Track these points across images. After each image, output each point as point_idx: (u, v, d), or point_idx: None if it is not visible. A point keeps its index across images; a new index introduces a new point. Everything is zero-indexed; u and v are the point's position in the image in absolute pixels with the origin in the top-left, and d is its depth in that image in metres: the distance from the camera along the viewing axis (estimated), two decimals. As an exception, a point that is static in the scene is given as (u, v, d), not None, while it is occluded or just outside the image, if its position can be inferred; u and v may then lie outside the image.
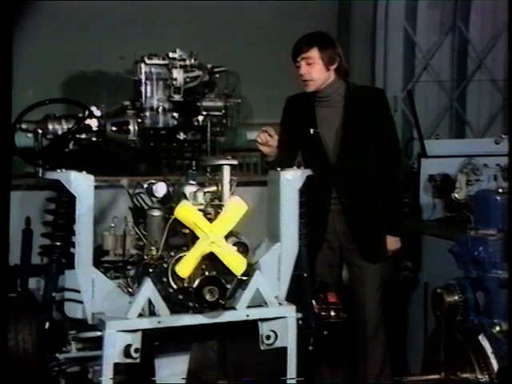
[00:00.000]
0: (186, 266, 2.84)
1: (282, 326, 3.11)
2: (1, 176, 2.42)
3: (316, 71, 3.88)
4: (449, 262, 3.46)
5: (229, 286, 2.94)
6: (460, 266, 3.34)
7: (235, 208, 2.91)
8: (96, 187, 2.96)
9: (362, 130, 3.93)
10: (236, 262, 2.90)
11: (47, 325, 2.85)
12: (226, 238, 2.92)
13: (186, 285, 2.89)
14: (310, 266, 3.30)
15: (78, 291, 2.92)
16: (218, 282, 2.89)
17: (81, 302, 2.93)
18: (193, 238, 2.90)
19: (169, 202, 3.07)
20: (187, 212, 2.87)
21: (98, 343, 2.88)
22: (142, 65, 4.18)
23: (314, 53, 3.87)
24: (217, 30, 5.58)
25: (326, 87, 3.92)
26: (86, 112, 4.03)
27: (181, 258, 2.90)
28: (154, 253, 2.96)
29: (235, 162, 3.13)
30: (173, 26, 5.41)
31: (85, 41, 5.23)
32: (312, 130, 3.92)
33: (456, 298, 3.28)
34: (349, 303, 3.80)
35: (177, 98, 4.20)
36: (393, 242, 4.05)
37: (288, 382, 3.08)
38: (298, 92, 4.07)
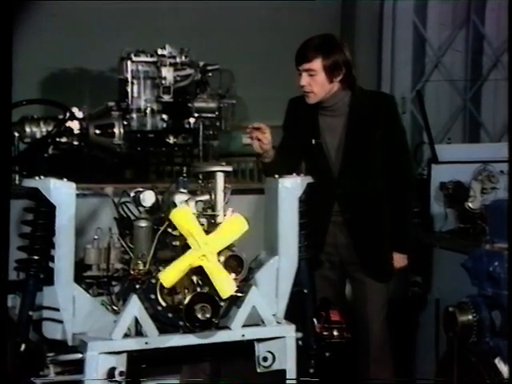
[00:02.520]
0: (171, 274, 2.83)
1: (281, 346, 3.10)
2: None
3: (317, 84, 3.85)
4: (462, 277, 3.46)
5: (222, 304, 2.94)
6: (474, 282, 3.34)
7: (235, 225, 2.91)
8: (78, 196, 2.95)
9: (368, 140, 3.93)
10: (224, 285, 2.88)
11: (23, 346, 2.84)
12: (220, 251, 2.92)
13: (175, 302, 2.89)
14: (310, 282, 3.30)
15: (58, 310, 2.91)
16: (210, 299, 2.89)
17: (60, 322, 2.91)
18: (184, 251, 2.90)
19: (157, 212, 3.07)
20: (184, 217, 2.86)
21: (78, 366, 2.86)
22: (128, 62, 4.18)
23: (317, 64, 3.83)
24: (210, 25, 5.59)
25: (330, 97, 3.90)
26: (67, 113, 4.02)
27: (170, 272, 2.90)
28: (141, 267, 2.95)
29: (229, 169, 3.13)
30: (162, 21, 5.43)
31: (67, 39, 5.26)
32: (314, 141, 3.91)
33: (470, 317, 3.28)
34: (353, 322, 3.80)
35: (166, 98, 4.20)
36: (399, 260, 4.04)
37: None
38: (297, 93, 4.06)
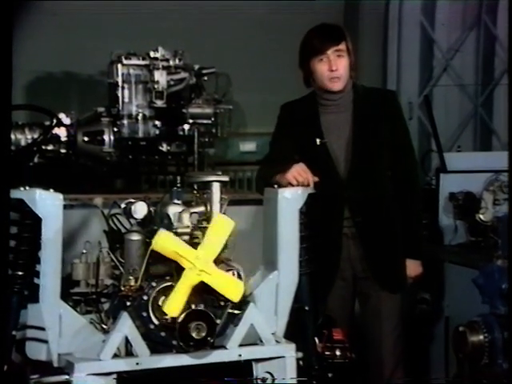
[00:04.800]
0: (175, 302, 2.83)
1: (280, 367, 3.10)
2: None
3: (345, 66, 3.86)
4: (473, 294, 3.45)
5: (218, 322, 2.94)
6: (485, 300, 3.33)
7: (220, 226, 2.91)
8: (65, 207, 2.94)
9: (375, 138, 3.93)
10: (232, 288, 2.90)
11: (5, 368, 2.83)
12: (216, 264, 2.92)
13: (169, 320, 2.88)
14: (312, 298, 3.30)
15: (43, 329, 2.90)
16: (205, 316, 2.88)
17: (45, 342, 2.91)
18: (177, 265, 2.90)
19: (150, 225, 3.07)
20: (166, 242, 2.87)
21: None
22: (119, 65, 4.19)
23: (344, 45, 3.87)
24: (206, 26, 5.60)
25: (342, 88, 3.91)
26: (54, 120, 4.03)
27: (163, 289, 2.90)
28: (133, 283, 2.95)
29: (226, 179, 3.13)
30: (155, 22, 5.44)
31: (54, 42, 5.27)
32: (318, 141, 3.89)
33: (481, 337, 3.26)
34: (361, 340, 3.80)
35: (159, 103, 4.22)
36: (413, 267, 4.02)
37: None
38: (298, 97, 4.06)
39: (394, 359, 4.01)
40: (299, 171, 3.48)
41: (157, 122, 4.25)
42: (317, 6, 5.87)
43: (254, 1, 5.77)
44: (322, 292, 3.76)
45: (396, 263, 3.99)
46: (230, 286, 2.91)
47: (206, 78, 4.48)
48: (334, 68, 3.82)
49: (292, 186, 3.38)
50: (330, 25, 3.95)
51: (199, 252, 2.88)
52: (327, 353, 3.24)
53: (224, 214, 3.07)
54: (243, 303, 3.04)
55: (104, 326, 3.04)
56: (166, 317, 2.86)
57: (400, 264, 4.00)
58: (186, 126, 4.35)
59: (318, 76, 3.87)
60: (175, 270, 2.91)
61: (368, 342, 3.99)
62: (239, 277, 3.00)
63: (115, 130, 4.17)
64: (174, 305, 2.84)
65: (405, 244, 3.98)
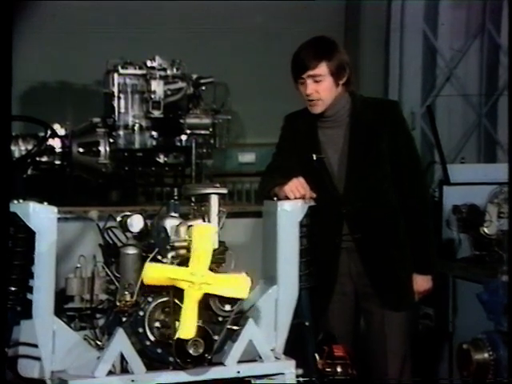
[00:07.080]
0: (187, 324, 2.82)
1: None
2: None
3: (325, 89, 3.84)
4: (477, 309, 3.44)
5: (216, 338, 2.92)
6: (490, 317, 3.32)
7: (201, 233, 2.89)
8: (59, 220, 2.94)
9: (373, 151, 3.92)
10: (238, 285, 2.88)
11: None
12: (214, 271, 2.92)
13: (165, 336, 2.88)
14: (312, 313, 3.29)
15: (36, 346, 2.89)
16: (203, 332, 2.87)
17: (38, 359, 2.90)
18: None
19: (146, 238, 3.07)
20: (155, 272, 2.87)
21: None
22: (115, 75, 4.20)
23: (323, 69, 3.82)
24: (204, 35, 5.61)
25: (333, 104, 3.90)
26: (48, 131, 4.03)
27: (160, 304, 2.89)
28: (128, 298, 2.94)
29: (224, 191, 3.13)
30: (152, 31, 5.45)
31: (48, 51, 5.28)
32: (315, 156, 3.90)
33: (486, 355, 3.25)
34: (365, 358, 3.78)
35: (156, 114, 4.22)
36: (421, 282, 3.97)
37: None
38: (299, 107, 4.06)
39: (398, 379, 3.98)
40: (297, 185, 3.48)
41: (153, 133, 4.25)
42: (317, 14, 5.88)
43: (252, 7, 5.77)
44: (320, 307, 3.74)
45: (399, 279, 3.96)
46: (235, 285, 2.89)
47: (203, 88, 4.48)
48: (309, 92, 3.83)
49: (289, 199, 3.39)
50: (313, 43, 3.88)
51: (192, 267, 2.86)
52: (328, 369, 3.24)
53: (222, 227, 3.07)
54: (242, 318, 3.03)
55: (99, 343, 3.04)
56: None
57: (404, 280, 3.96)
58: (184, 137, 4.35)
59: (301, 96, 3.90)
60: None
61: (371, 362, 3.96)
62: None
63: (111, 140, 4.17)
64: (188, 327, 2.82)
65: (414, 258, 3.95)
